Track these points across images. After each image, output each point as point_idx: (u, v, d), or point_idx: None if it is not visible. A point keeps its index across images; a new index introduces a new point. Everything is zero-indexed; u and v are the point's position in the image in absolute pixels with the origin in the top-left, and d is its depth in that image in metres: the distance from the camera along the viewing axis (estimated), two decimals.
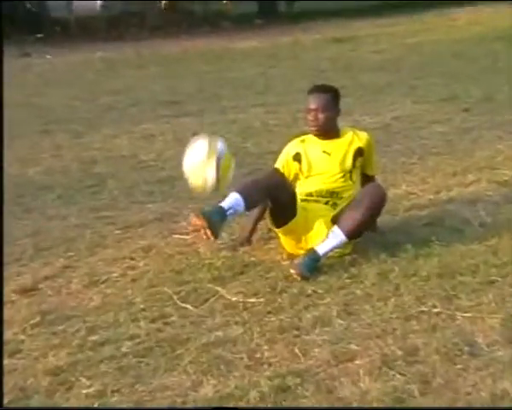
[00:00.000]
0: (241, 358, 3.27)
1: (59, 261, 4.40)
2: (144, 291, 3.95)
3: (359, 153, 4.40)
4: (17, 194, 5.61)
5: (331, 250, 4.11)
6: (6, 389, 3.10)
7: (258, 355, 3.29)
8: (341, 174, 4.36)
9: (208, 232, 3.91)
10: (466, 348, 3.24)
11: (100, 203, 5.43)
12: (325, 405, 2.94)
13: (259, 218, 4.49)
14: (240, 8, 20.06)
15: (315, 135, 4.42)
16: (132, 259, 4.40)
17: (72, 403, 3.02)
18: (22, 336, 3.52)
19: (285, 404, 2.95)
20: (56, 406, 3.02)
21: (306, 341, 3.39)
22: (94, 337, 3.49)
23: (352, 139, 4.42)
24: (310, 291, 3.84)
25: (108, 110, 8.81)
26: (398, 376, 3.08)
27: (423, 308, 3.62)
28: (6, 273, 4.08)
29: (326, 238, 4.11)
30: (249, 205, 4.11)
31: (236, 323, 3.58)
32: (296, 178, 4.41)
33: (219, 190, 4.13)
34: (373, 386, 3.01)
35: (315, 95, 4.39)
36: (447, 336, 3.35)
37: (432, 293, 3.77)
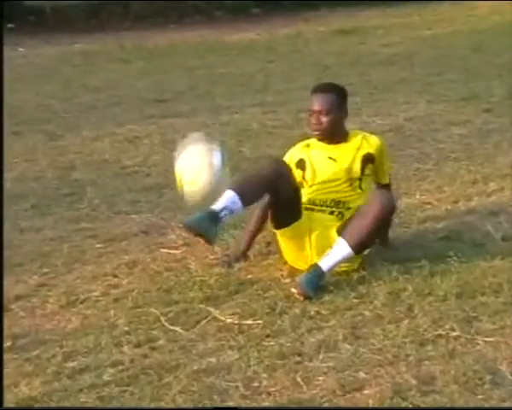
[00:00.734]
0: (237, 387, 3.28)
1: (33, 279, 4.40)
2: (128, 312, 3.95)
3: (369, 160, 4.41)
4: None
5: (336, 265, 4.13)
6: None
7: (255, 384, 3.30)
8: (348, 183, 4.37)
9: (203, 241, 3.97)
10: (488, 377, 3.25)
11: (78, 214, 5.43)
12: None
13: (257, 230, 4.51)
14: None
15: (318, 140, 4.45)
16: (115, 276, 4.40)
17: None
18: None
19: None
20: None
21: (309, 368, 3.40)
22: (72, 364, 3.49)
23: (361, 144, 4.43)
24: (313, 312, 3.85)
25: (88, 109, 8.82)
26: (412, 407, 3.09)
27: (440, 332, 3.64)
28: None
29: (330, 251, 4.13)
30: (246, 201, 4.15)
31: (231, 348, 3.59)
32: (300, 186, 4.43)
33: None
34: None
35: (318, 95, 4.41)
36: (467, 363, 3.36)
37: (449, 315, 3.78)
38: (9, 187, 6.00)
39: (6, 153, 6.99)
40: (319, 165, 4.42)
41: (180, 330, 3.76)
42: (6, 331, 3.78)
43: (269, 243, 4.61)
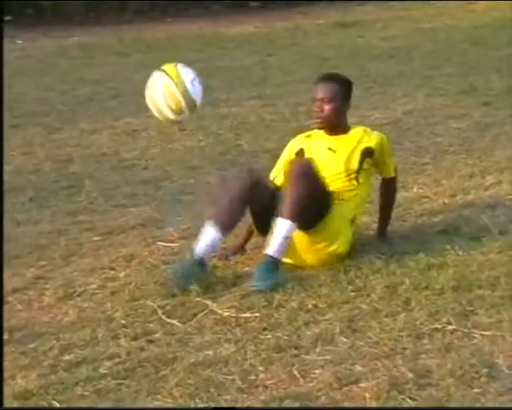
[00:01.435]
0: (233, 380, 3.28)
1: (30, 271, 4.40)
2: (125, 305, 3.95)
3: (368, 153, 4.42)
4: None
5: (282, 244, 4.08)
6: None
7: (252, 377, 3.30)
8: (345, 173, 4.38)
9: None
10: (484, 371, 3.25)
11: (76, 207, 5.43)
12: None
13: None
14: None
15: (319, 128, 4.46)
16: (112, 269, 4.40)
17: None
18: None
19: None
20: None
21: (306, 361, 3.40)
22: (68, 357, 3.49)
23: (361, 138, 4.44)
24: (310, 306, 3.86)
25: (86, 102, 8.81)
26: (409, 400, 3.09)
27: (437, 325, 3.64)
28: None
29: (271, 236, 4.10)
30: (227, 230, 4.20)
31: (228, 341, 3.59)
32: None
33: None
34: None
35: (323, 83, 4.43)
36: (463, 357, 3.36)
37: (446, 308, 3.78)
38: (7, 180, 5.98)
39: (4, 146, 7.01)
40: (318, 154, 4.42)
41: (177, 323, 3.76)
42: (3, 324, 3.78)
43: None
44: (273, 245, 4.09)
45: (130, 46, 12.84)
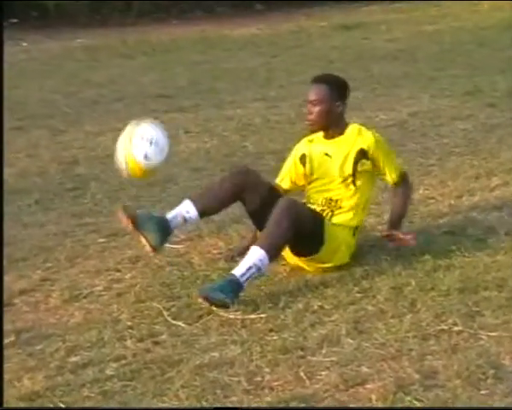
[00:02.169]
0: (239, 381, 3.28)
1: (36, 274, 4.41)
2: (131, 307, 3.96)
3: (361, 155, 4.33)
4: None
5: (251, 271, 3.91)
6: None
7: (258, 378, 3.31)
8: (340, 179, 4.34)
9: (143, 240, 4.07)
10: (491, 372, 3.25)
11: (82, 208, 5.44)
12: None
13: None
14: None
15: (310, 131, 4.45)
16: (118, 270, 4.41)
17: None
18: None
19: None
20: None
21: (312, 362, 3.40)
22: (75, 358, 3.50)
23: (355, 140, 4.37)
24: (316, 307, 3.86)
25: (91, 105, 8.82)
26: (415, 402, 3.09)
27: (443, 327, 3.64)
28: None
29: (243, 259, 3.99)
30: (202, 211, 4.23)
31: (234, 342, 3.59)
32: (303, 183, 4.43)
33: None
34: None
35: (312, 85, 4.42)
36: (470, 358, 3.36)
37: (452, 309, 3.78)
38: (12, 182, 6.01)
39: (9, 148, 7.02)
40: (316, 161, 4.40)
41: (183, 325, 3.76)
42: (9, 326, 3.79)
43: None
44: (241, 268, 3.92)
45: (134, 48, 12.85)
